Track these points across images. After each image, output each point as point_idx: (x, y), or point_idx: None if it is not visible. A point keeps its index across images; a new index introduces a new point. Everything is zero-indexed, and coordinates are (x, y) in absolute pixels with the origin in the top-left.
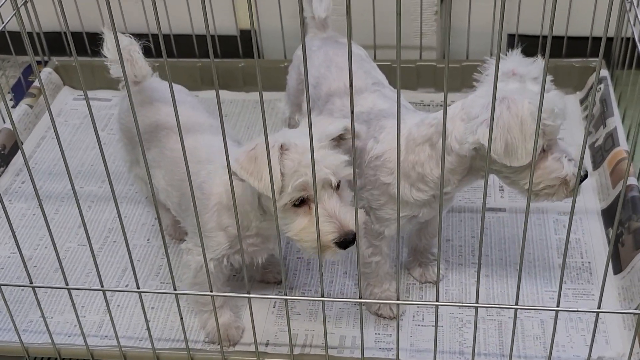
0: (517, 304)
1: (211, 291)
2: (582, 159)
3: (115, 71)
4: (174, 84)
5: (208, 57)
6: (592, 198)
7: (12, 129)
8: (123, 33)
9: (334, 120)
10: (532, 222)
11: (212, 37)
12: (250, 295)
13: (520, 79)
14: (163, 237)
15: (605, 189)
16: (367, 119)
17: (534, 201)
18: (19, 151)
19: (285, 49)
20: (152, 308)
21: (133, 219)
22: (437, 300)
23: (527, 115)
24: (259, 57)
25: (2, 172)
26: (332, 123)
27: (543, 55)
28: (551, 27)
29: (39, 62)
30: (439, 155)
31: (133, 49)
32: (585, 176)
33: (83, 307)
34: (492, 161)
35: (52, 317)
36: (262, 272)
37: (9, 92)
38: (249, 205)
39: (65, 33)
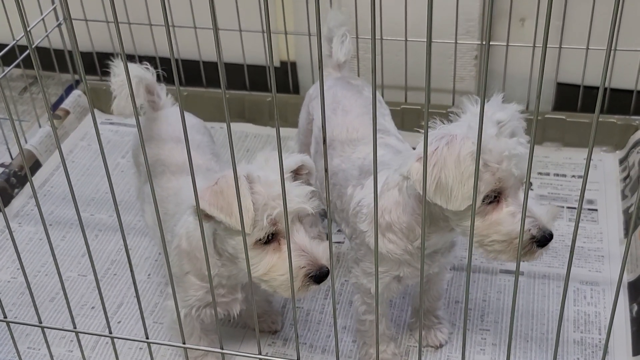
0: None
1: (183, 342)
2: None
3: (116, 106)
4: (190, 117)
5: (237, 88)
6: (619, 268)
7: (31, 150)
8: (134, 60)
9: (290, 154)
10: (551, 290)
11: (241, 67)
12: (223, 351)
13: (494, 123)
14: (134, 279)
15: (634, 260)
16: (361, 164)
17: (487, 258)
18: (37, 172)
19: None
20: (140, 349)
21: (137, 251)
22: None
23: (467, 154)
24: (283, 91)
25: (17, 193)
26: (289, 156)
27: (582, 106)
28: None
29: (75, 83)
30: (406, 200)
31: (145, 78)
32: (549, 237)
33: (72, 341)
34: (436, 204)
35: (39, 350)
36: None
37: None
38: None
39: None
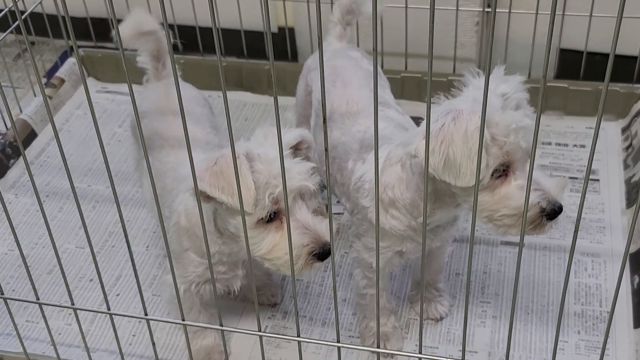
0: None
1: (183, 319)
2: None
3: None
4: (190, 89)
5: (234, 54)
6: (620, 240)
7: (26, 120)
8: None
9: (289, 129)
10: (552, 261)
11: (238, 32)
12: (223, 328)
13: (498, 96)
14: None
15: (636, 231)
16: (362, 138)
17: (497, 233)
18: (32, 143)
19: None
20: (140, 322)
21: (135, 223)
22: (420, 352)
23: (474, 129)
24: (286, 58)
25: (13, 163)
26: (288, 132)
27: (585, 73)
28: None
29: (70, 49)
30: (410, 177)
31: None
32: (559, 210)
33: (70, 314)
34: (444, 180)
35: (37, 323)
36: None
37: (44, 76)
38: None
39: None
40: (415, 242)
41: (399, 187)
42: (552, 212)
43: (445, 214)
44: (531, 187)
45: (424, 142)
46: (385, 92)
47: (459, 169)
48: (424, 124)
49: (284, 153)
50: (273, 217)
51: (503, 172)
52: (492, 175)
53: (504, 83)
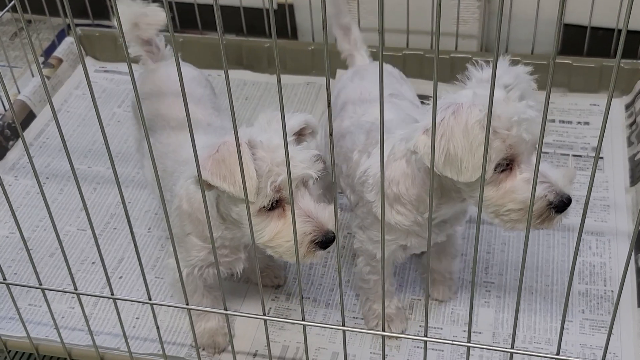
0: (512, 346)
1: (187, 303)
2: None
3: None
4: (190, 69)
5: (234, 32)
6: (625, 218)
7: (25, 101)
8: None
9: (292, 114)
10: (556, 241)
11: (237, 10)
12: (228, 312)
13: (500, 87)
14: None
15: None
16: (369, 129)
17: (504, 228)
18: (31, 124)
19: (314, 31)
20: (143, 304)
21: (137, 204)
22: (425, 336)
23: (474, 123)
24: (290, 36)
25: (12, 145)
26: (291, 117)
27: (589, 49)
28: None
29: (67, 28)
30: (415, 172)
31: (149, 20)
32: (567, 202)
33: (73, 297)
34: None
35: (40, 307)
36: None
37: (41, 55)
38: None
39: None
40: (420, 238)
41: (404, 183)
42: (560, 204)
43: (451, 208)
44: (537, 180)
45: (422, 137)
46: (402, 87)
47: (460, 163)
48: (424, 118)
49: (290, 139)
50: (275, 205)
51: (507, 166)
52: (495, 169)
53: (506, 74)
